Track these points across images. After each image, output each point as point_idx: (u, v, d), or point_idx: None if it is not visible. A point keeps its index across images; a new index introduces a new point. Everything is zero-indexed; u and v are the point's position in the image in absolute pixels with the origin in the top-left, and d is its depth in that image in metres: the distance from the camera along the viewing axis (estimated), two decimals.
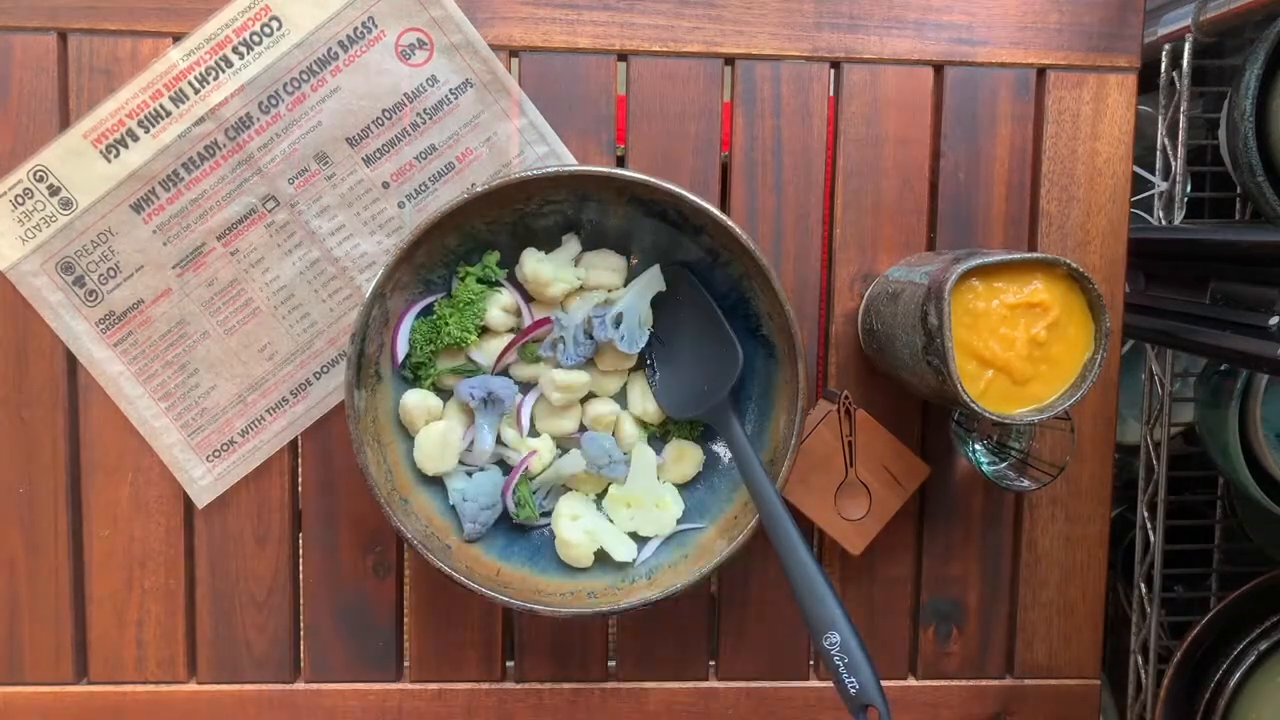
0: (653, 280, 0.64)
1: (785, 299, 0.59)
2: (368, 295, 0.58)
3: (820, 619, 0.55)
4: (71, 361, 0.67)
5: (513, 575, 0.63)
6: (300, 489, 0.70)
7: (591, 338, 0.63)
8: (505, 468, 0.65)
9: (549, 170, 0.59)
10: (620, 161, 0.69)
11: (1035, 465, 0.69)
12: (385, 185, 0.67)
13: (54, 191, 0.65)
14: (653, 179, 0.58)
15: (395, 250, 0.59)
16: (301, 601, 0.70)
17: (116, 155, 0.65)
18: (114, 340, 0.67)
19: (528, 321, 0.65)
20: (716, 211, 0.59)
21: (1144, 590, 0.98)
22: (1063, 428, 0.67)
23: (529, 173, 0.59)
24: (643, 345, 0.64)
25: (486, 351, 0.65)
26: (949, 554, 0.72)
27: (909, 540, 0.71)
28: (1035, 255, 0.56)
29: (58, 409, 0.67)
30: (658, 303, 0.65)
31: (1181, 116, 0.92)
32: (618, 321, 0.63)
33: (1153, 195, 0.95)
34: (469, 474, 0.65)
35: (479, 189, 0.58)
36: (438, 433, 0.63)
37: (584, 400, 0.66)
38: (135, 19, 0.65)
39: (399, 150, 0.67)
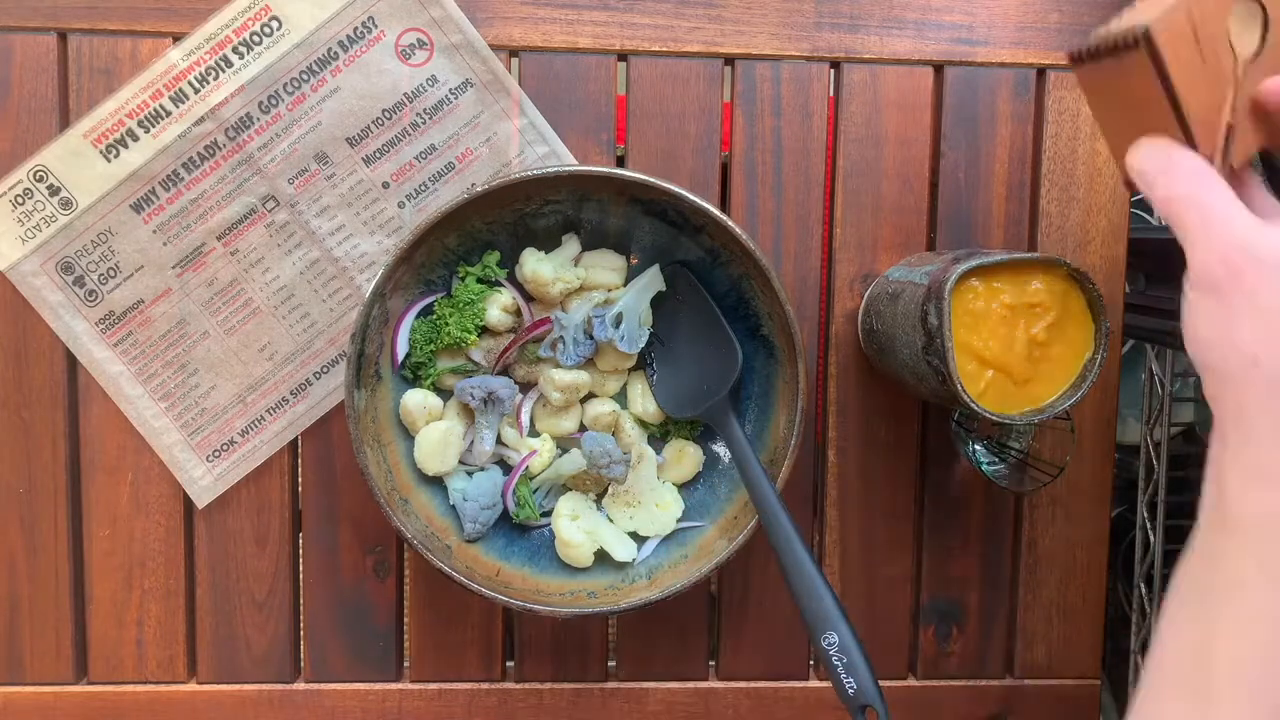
0: (653, 280, 0.64)
1: (785, 299, 0.59)
2: (368, 295, 0.58)
3: (819, 619, 0.55)
4: (71, 361, 0.67)
5: (513, 575, 0.63)
6: (300, 489, 0.70)
7: (591, 338, 0.63)
8: (505, 468, 0.65)
9: (549, 170, 0.59)
10: (620, 161, 0.69)
11: (1035, 465, 0.69)
12: (385, 185, 0.67)
13: (54, 191, 0.65)
14: (652, 179, 0.58)
15: (395, 250, 0.59)
16: (301, 601, 0.70)
17: (116, 155, 0.65)
18: (114, 340, 0.67)
19: (528, 321, 0.65)
20: (716, 211, 0.59)
21: (1144, 590, 0.98)
22: (1063, 428, 0.67)
23: (529, 173, 0.59)
24: (643, 345, 0.64)
25: (486, 351, 0.65)
26: (949, 554, 0.72)
27: (909, 540, 0.71)
28: (1035, 255, 0.56)
29: (58, 409, 0.67)
30: (657, 303, 0.65)
31: None
32: (618, 321, 0.63)
33: None
34: (469, 474, 0.65)
35: (479, 189, 0.58)
36: (438, 433, 0.63)
37: (584, 400, 0.66)
38: (135, 19, 0.65)
39: (399, 150, 0.67)
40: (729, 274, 0.64)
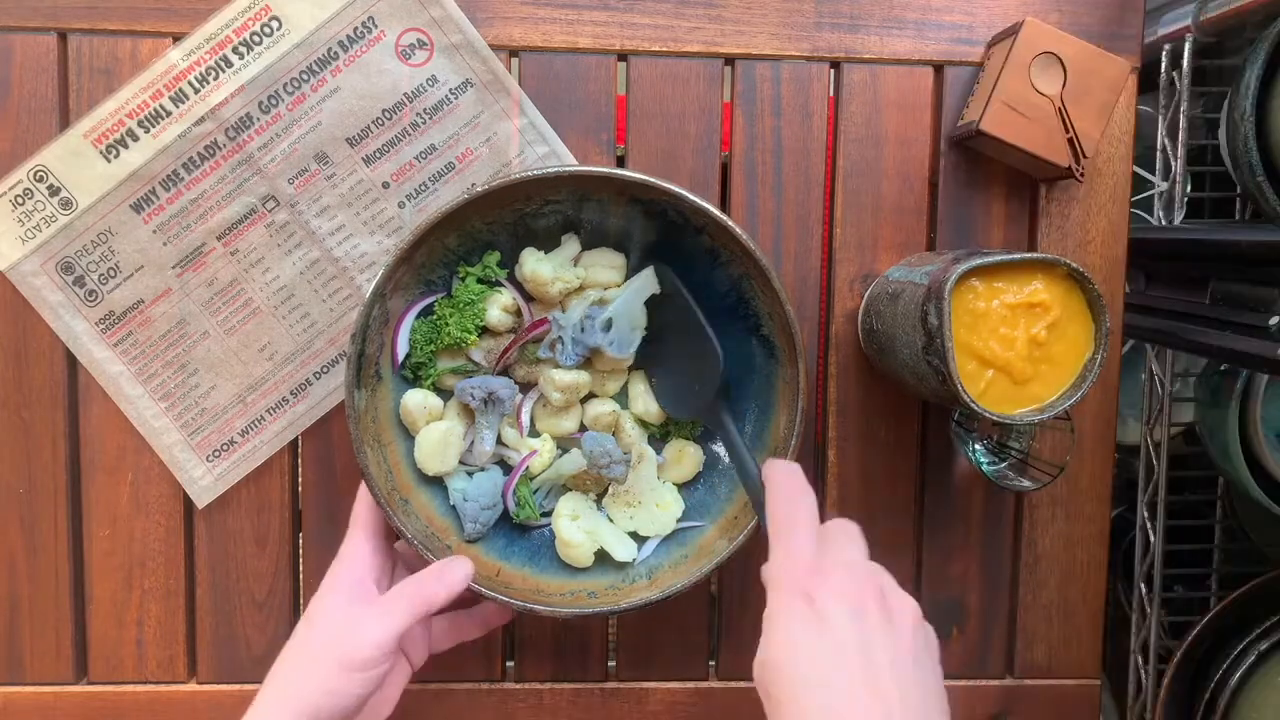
0: (646, 283, 0.64)
1: (785, 298, 0.59)
2: (368, 295, 0.58)
3: None
4: (71, 361, 0.67)
5: (513, 575, 0.63)
6: (300, 489, 0.70)
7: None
8: (506, 467, 0.65)
9: (549, 170, 0.59)
10: (620, 161, 0.69)
11: (1035, 465, 0.69)
12: (385, 185, 0.67)
13: (54, 192, 0.65)
14: (652, 179, 0.58)
15: (395, 250, 0.59)
16: (301, 601, 0.70)
17: (116, 155, 0.65)
18: (114, 340, 0.67)
19: (527, 322, 0.65)
20: (716, 211, 0.59)
21: (1144, 590, 0.98)
22: (1063, 428, 0.67)
23: (529, 173, 0.59)
24: (634, 349, 0.64)
25: (486, 352, 0.65)
26: (949, 554, 0.72)
27: (909, 540, 0.71)
28: (1035, 255, 0.56)
29: (58, 409, 0.67)
30: (649, 303, 0.65)
31: (1181, 116, 0.92)
32: (607, 326, 0.63)
33: (1153, 195, 0.95)
34: (469, 474, 0.65)
35: (479, 189, 0.58)
36: (438, 433, 0.63)
37: (584, 400, 0.66)
38: (135, 19, 0.65)
39: (399, 150, 0.67)
40: (729, 274, 0.64)
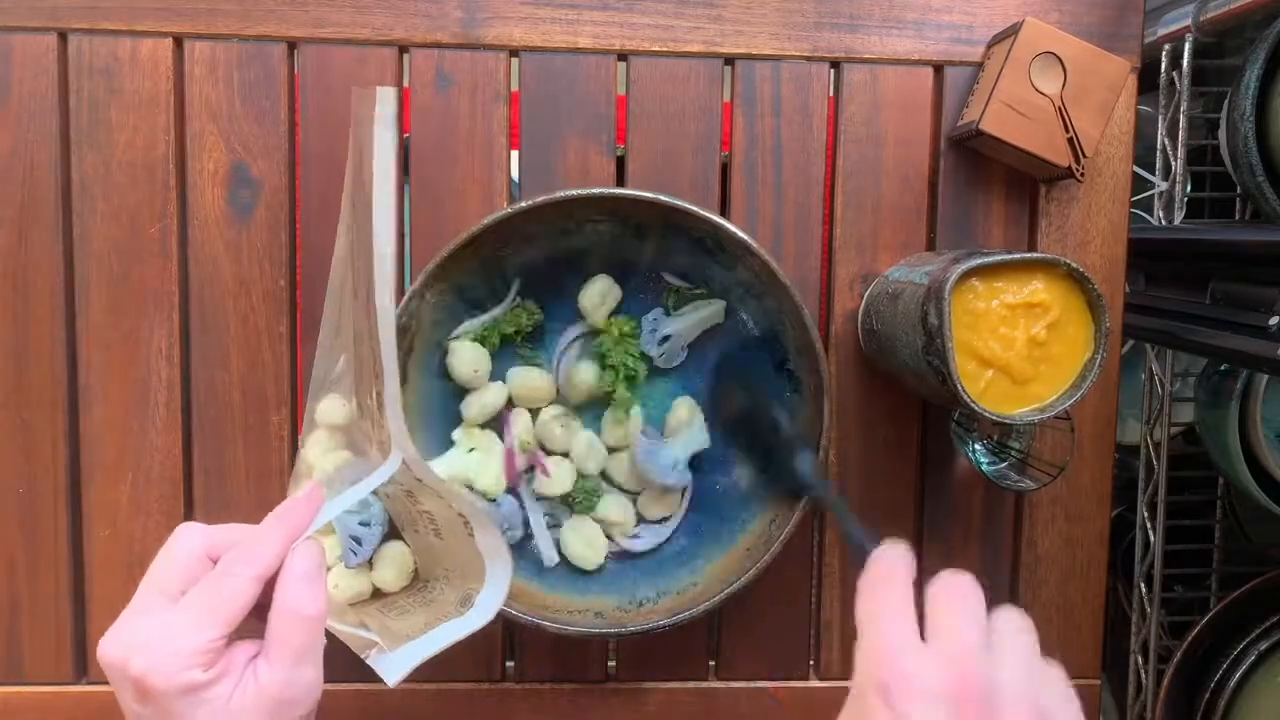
0: (711, 313, 0.65)
1: (816, 336, 0.61)
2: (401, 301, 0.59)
3: None
4: (71, 362, 0.67)
5: (520, 589, 0.64)
6: None
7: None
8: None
9: (590, 191, 0.60)
10: (620, 162, 0.69)
11: (1035, 465, 0.69)
12: None
13: None
14: (697, 208, 0.59)
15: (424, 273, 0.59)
16: None
17: None
18: None
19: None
20: (755, 244, 0.60)
21: (1144, 590, 0.98)
22: (1063, 428, 0.67)
23: (571, 192, 0.59)
24: (677, 363, 0.66)
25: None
26: (949, 554, 0.72)
27: (909, 540, 0.71)
28: (1035, 255, 0.56)
29: (58, 409, 0.67)
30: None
31: (1181, 116, 0.92)
32: (664, 340, 0.65)
33: (1153, 195, 0.95)
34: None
35: (521, 204, 0.59)
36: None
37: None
38: (135, 19, 0.65)
39: None
40: (761, 305, 0.64)
